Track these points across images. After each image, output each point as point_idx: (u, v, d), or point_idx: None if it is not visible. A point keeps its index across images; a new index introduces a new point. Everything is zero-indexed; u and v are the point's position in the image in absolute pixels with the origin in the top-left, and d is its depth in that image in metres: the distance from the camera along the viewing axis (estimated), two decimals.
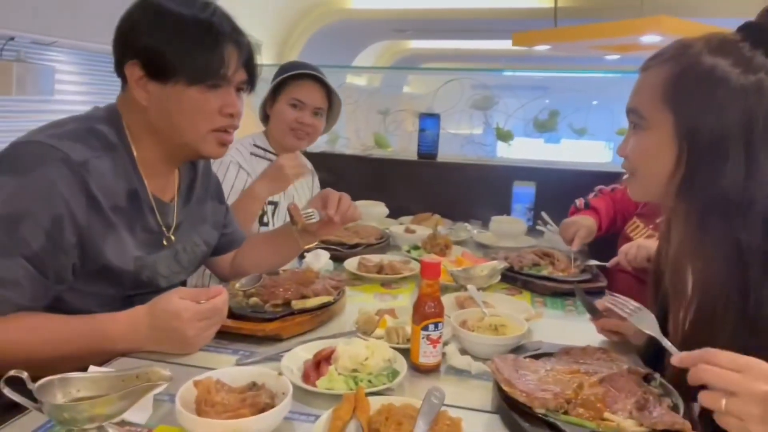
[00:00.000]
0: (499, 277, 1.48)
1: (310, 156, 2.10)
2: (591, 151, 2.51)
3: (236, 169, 1.74)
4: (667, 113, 0.88)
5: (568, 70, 5.72)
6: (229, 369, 0.88)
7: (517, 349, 1.06)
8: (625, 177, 1.00)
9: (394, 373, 0.94)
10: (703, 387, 0.85)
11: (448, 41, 10.41)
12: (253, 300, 1.21)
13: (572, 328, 1.27)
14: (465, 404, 0.91)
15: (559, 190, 2.23)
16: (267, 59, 7.54)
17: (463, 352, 1.07)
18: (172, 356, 1.02)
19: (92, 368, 0.85)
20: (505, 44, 8.40)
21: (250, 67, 1.14)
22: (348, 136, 2.69)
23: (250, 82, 1.16)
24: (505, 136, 2.40)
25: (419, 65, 13.55)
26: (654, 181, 0.92)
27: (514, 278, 1.53)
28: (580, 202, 1.93)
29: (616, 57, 8.29)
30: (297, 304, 1.18)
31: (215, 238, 1.38)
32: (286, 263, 1.53)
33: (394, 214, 2.29)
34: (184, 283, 1.31)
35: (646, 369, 0.93)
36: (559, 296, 1.45)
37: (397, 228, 1.95)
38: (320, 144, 2.57)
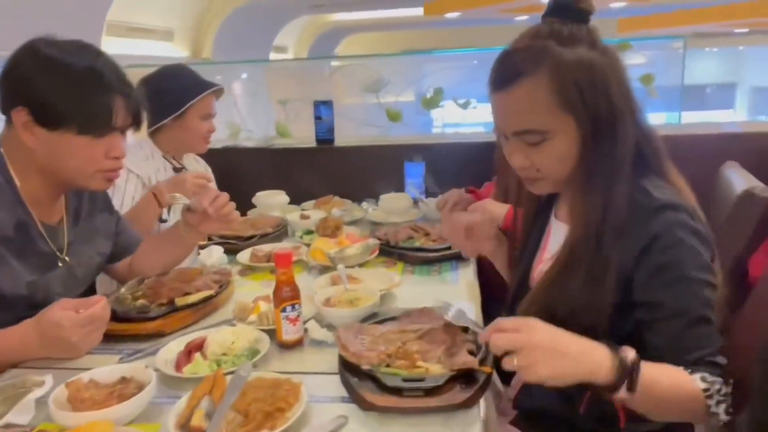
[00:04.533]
0: (376, 253, 1.65)
1: (213, 153, 2.18)
2: (475, 120, 2.72)
3: (125, 173, 1.83)
4: (567, 117, 0.91)
5: (448, 49, 5.95)
6: (102, 368, 1.01)
7: (373, 316, 1.24)
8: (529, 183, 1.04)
9: (255, 352, 1.09)
10: None
11: (366, 12, 10.46)
12: (140, 302, 1.33)
13: (430, 290, 1.45)
14: (321, 370, 1.07)
15: (447, 162, 2.42)
16: (180, 47, 7.36)
17: (330, 326, 1.23)
18: (59, 362, 1.13)
19: None
20: (418, 11, 8.58)
21: (136, 113, 1.24)
22: (250, 128, 2.78)
23: (136, 124, 1.26)
24: (394, 117, 2.56)
25: (344, 37, 13.56)
26: (563, 177, 0.98)
27: (390, 252, 1.70)
28: None
29: (525, 18, 8.62)
30: (180, 301, 1.31)
31: (109, 248, 1.48)
32: (180, 261, 1.63)
33: (298, 200, 2.40)
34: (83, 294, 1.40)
35: (467, 323, 1.10)
36: (427, 264, 1.64)
37: (292, 215, 2.08)
38: (222, 139, 2.64)
